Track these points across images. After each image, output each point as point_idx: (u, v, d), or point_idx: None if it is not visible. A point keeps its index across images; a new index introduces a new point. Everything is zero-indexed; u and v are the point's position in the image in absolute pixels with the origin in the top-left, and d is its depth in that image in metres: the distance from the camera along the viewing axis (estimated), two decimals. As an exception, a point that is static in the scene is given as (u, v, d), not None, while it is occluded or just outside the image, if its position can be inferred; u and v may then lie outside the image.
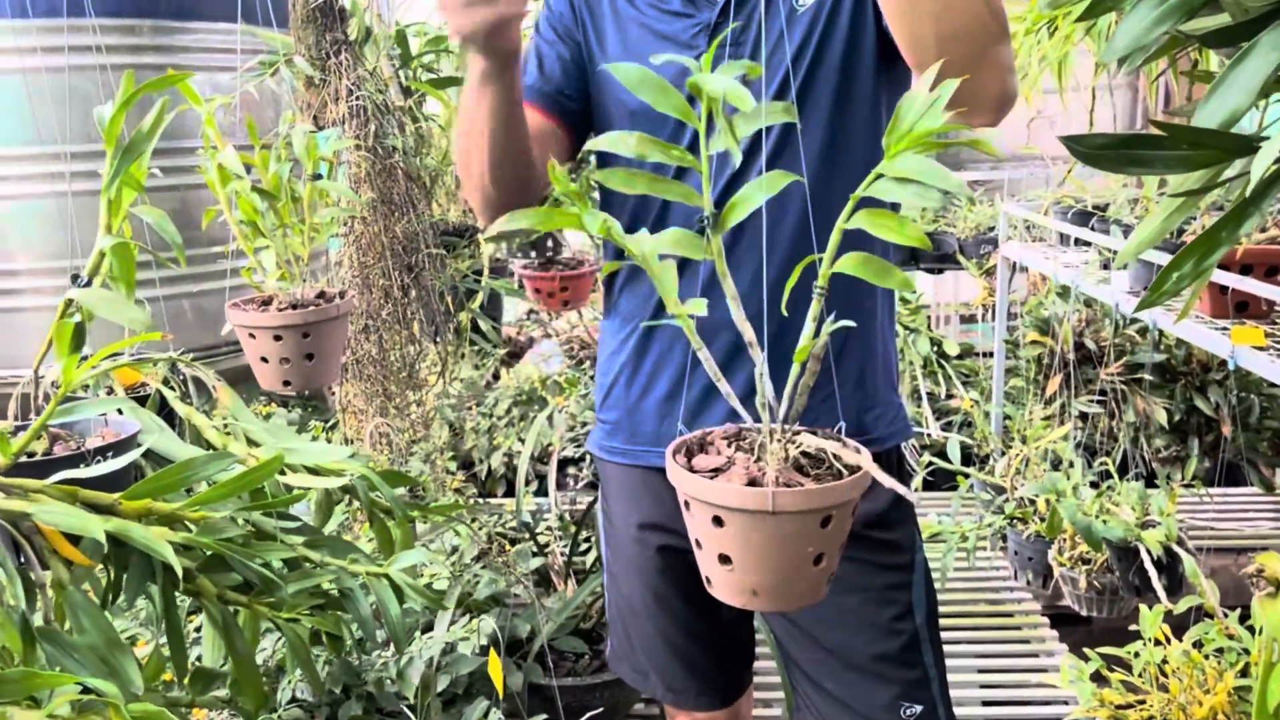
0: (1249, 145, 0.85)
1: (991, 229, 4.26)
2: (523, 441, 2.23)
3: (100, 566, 0.99)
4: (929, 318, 4.65)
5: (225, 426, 1.18)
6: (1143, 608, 1.64)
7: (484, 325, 1.78)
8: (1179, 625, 1.66)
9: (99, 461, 0.98)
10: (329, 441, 2.15)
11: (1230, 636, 1.58)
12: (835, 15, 1.16)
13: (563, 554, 2.14)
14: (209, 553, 1.02)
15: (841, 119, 1.18)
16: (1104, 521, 1.84)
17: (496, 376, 2.80)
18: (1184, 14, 0.88)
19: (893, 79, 1.20)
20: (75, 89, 1.95)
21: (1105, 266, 2.21)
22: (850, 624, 1.25)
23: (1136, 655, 1.60)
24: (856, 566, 1.19)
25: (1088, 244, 2.28)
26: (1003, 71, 1.03)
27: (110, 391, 1.19)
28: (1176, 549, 1.79)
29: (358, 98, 1.52)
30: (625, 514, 1.36)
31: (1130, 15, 0.88)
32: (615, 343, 1.32)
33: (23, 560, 0.91)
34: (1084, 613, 2.19)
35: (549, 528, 2.09)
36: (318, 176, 1.39)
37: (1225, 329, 1.65)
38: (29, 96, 1.92)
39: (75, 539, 0.94)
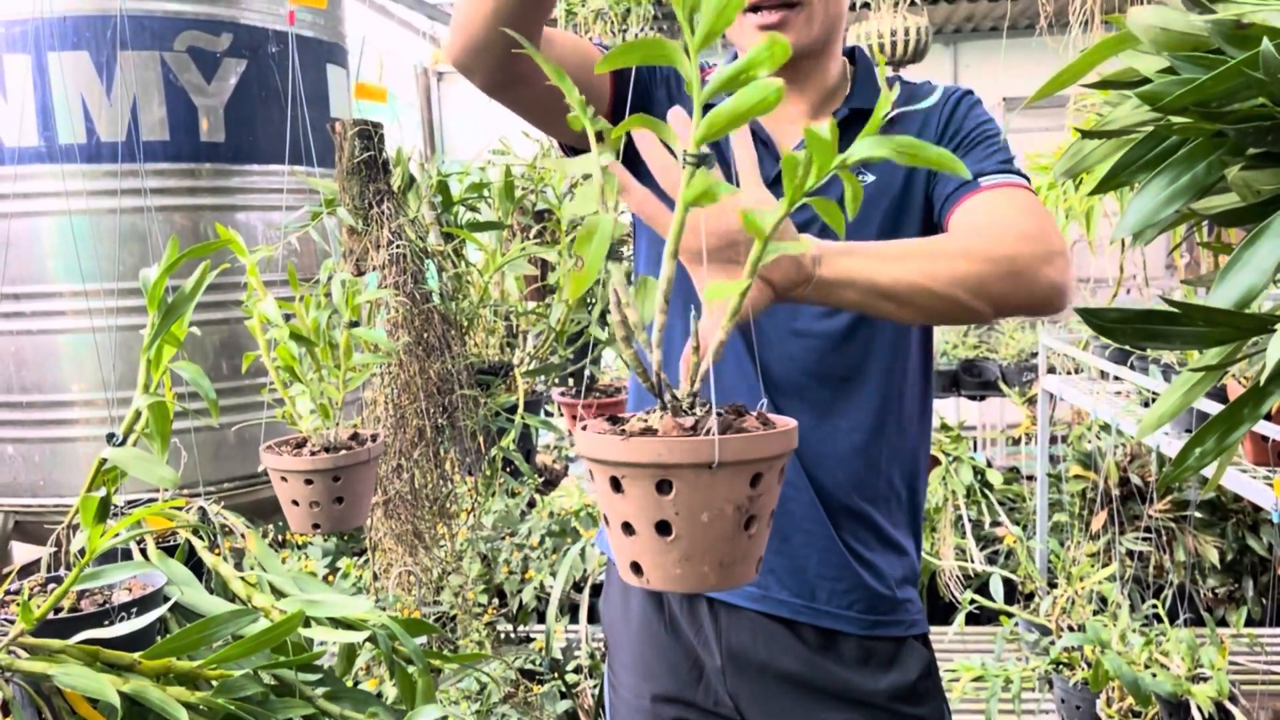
0: (1265, 325, 0.85)
1: (1034, 355, 4.23)
2: (555, 575, 2.22)
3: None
4: (974, 441, 4.59)
5: (252, 576, 1.19)
6: (1195, 771, 1.56)
7: (516, 460, 1.79)
8: (1237, 787, 1.58)
9: (124, 618, 1.00)
10: (360, 578, 2.15)
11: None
12: (906, 197, 1.15)
13: (593, 692, 2.09)
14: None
15: None
16: (1152, 674, 1.77)
17: (532, 504, 2.80)
18: (1194, 193, 0.89)
19: None
20: (136, 228, 2.05)
21: (1146, 405, 2.18)
22: None
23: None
24: (881, 741, 1.15)
25: (1128, 379, 2.25)
26: (1042, 283, 0.99)
27: (142, 540, 1.22)
28: (1229, 705, 1.71)
29: (397, 246, 1.57)
30: (636, 686, 1.26)
31: (1141, 194, 0.89)
32: None
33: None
34: (1137, 767, 2.09)
35: (578, 667, 2.05)
36: (354, 324, 1.43)
37: (1268, 478, 1.61)
38: (99, 235, 2.03)
39: (95, 699, 0.95)
